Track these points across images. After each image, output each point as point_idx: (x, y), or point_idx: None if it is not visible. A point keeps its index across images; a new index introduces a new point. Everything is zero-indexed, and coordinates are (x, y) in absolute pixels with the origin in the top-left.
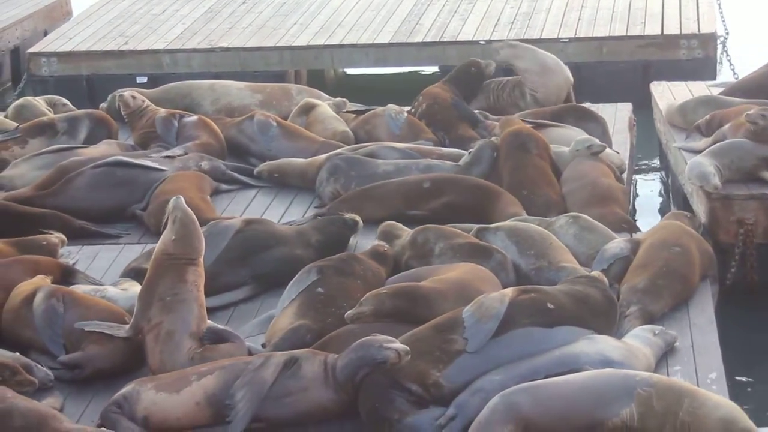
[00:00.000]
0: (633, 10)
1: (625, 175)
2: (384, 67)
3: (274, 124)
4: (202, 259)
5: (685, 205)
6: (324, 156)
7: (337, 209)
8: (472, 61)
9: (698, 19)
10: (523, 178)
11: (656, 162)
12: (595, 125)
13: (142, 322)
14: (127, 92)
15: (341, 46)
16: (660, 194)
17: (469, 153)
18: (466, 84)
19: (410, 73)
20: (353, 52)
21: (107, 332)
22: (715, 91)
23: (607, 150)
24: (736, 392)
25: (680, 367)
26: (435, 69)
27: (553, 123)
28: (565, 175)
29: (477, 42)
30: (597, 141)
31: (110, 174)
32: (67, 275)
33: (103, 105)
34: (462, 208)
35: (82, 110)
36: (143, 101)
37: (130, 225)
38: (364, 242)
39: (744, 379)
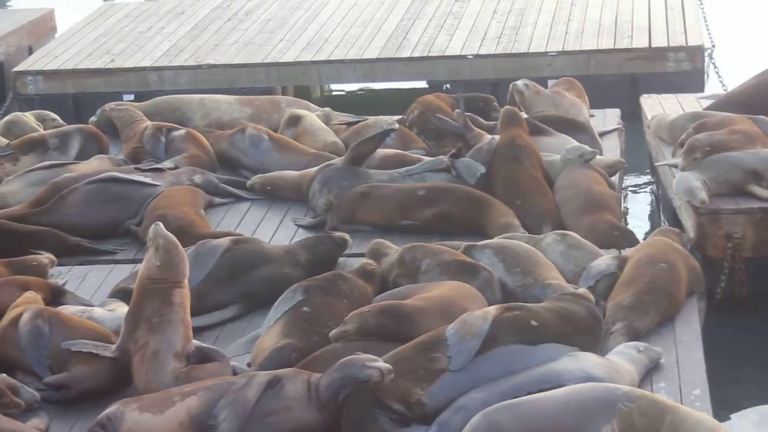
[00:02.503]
0: (620, 23)
1: (616, 179)
2: (371, 83)
3: (266, 137)
4: (187, 281)
5: (674, 218)
6: (316, 168)
7: (336, 212)
8: (485, 97)
9: (685, 32)
10: (517, 188)
11: (647, 174)
12: (584, 134)
13: (129, 344)
14: (111, 104)
15: (329, 61)
16: (651, 207)
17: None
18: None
19: (397, 89)
20: (341, 68)
21: (94, 352)
22: (705, 104)
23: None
24: (721, 406)
25: (664, 384)
26: (423, 84)
27: (549, 129)
28: (558, 184)
29: (465, 56)
30: (588, 148)
31: (104, 190)
32: (56, 295)
33: (93, 119)
34: (454, 218)
35: (73, 125)
36: (132, 111)
37: (125, 240)
38: (357, 246)
39: (730, 393)
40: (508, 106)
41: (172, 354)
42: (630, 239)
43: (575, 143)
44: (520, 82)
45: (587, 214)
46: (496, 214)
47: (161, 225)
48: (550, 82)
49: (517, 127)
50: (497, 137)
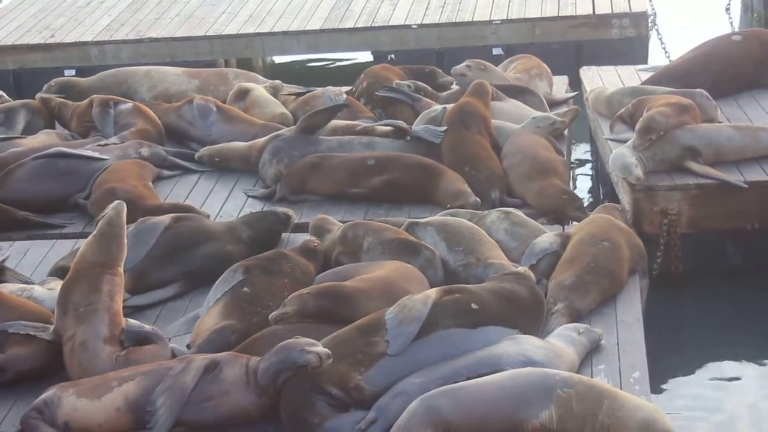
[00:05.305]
0: None
1: (564, 147)
2: (315, 54)
3: (214, 108)
4: (121, 268)
5: (612, 192)
6: (265, 138)
7: (286, 182)
8: (432, 68)
9: None
10: (463, 154)
11: (588, 146)
12: (532, 97)
13: (61, 330)
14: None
15: (272, 33)
16: (591, 179)
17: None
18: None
19: (341, 58)
20: (284, 40)
21: (32, 333)
22: (644, 76)
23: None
24: (659, 384)
25: (604, 366)
26: (368, 55)
27: (500, 94)
28: (505, 150)
29: (409, 26)
30: (558, 118)
31: (52, 165)
32: None
33: (40, 95)
34: (404, 186)
35: (19, 101)
36: (56, 97)
37: (74, 215)
38: (305, 217)
39: (667, 370)
40: (479, 80)
41: (100, 341)
42: (577, 203)
43: (537, 112)
44: (459, 66)
45: (535, 180)
46: (446, 182)
47: (123, 204)
48: (495, 51)
49: (475, 96)
50: (447, 106)
